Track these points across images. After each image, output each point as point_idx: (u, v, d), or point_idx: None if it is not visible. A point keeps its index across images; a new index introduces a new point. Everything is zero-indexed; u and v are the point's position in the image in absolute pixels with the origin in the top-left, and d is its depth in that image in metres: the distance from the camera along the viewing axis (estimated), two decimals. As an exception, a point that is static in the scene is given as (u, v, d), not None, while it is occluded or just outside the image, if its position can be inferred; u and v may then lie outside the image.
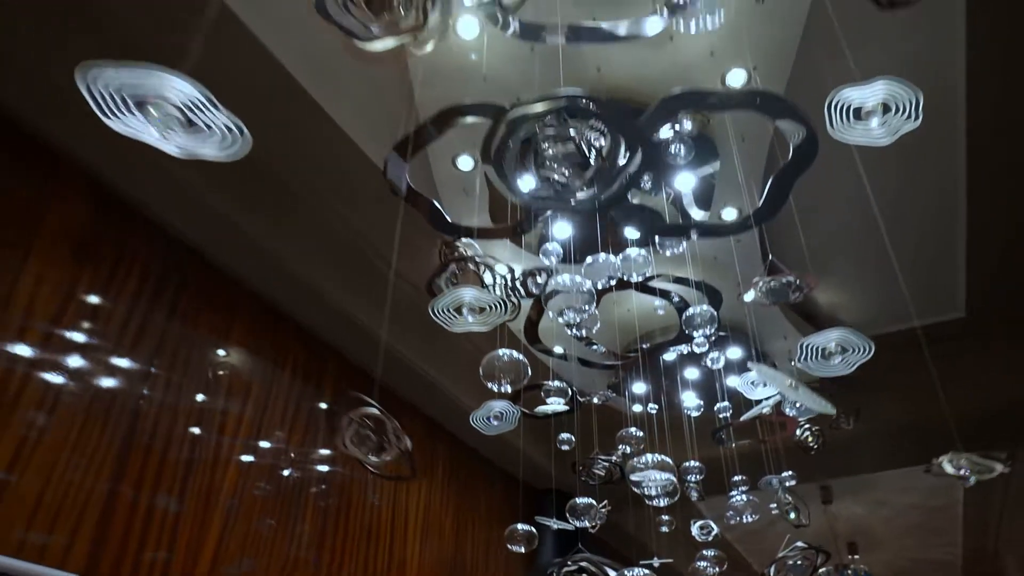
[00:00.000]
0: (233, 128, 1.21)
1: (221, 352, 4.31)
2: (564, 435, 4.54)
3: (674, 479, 3.72)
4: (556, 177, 2.22)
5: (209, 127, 1.20)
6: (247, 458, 4.29)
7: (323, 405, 5.00)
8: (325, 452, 4.93)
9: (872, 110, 2.11)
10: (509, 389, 3.16)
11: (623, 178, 2.29)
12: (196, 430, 4.01)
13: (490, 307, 2.43)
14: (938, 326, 6.09)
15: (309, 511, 4.68)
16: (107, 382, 3.57)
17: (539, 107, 2.04)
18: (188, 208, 3.99)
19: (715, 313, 3.84)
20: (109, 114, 1.18)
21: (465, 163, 4.10)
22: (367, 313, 4.89)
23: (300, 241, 4.39)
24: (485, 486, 6.95)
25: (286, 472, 4.56)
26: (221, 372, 4.26)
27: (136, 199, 3.88)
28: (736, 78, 3.61)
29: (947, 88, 3.93)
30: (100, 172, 3.71)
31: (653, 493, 3.78)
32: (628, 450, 4.99)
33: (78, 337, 3.48)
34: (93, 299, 3.61)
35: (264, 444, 4.45)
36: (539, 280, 2.92)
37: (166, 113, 1.17)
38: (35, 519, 3.11)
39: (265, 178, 3.95)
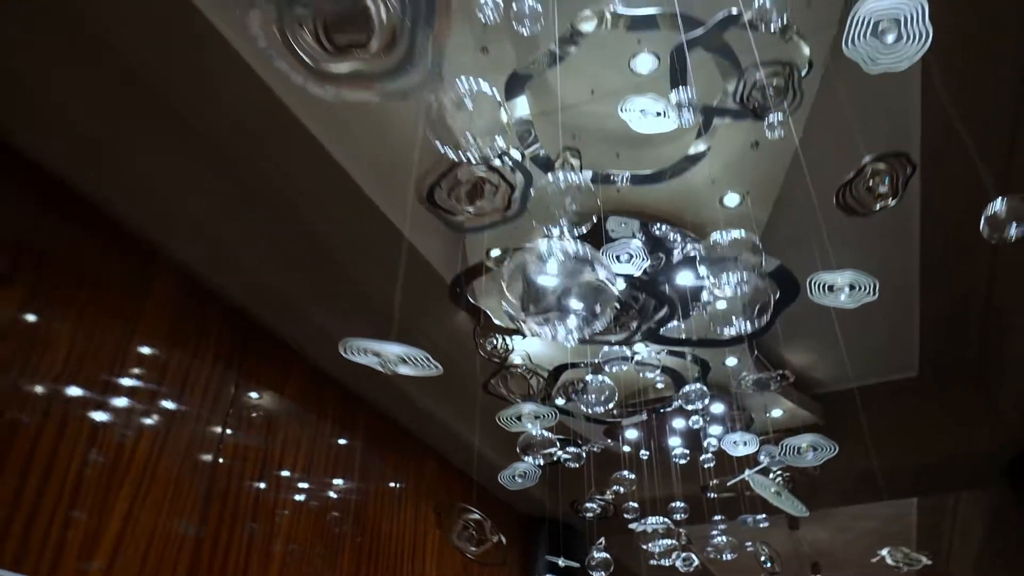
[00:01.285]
0: (433, 365, 1.88)
1: (279, 407, 4.95)
2: (589, 504, 5.18)
3: (677, 543, 4.43)
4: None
5: (416, 362, 1.87)
6: (299, 498, 4.94)
7: (342, 441, 5.63)
8: (358, 491, 5.58)
9: (841, 287, 2.85)
10: (542, 463, 3.85)
11: (653, 322, 3.00)
12: (260, 475, 4.64)
13: (544, 416, 3.12)
14: (894, 383, 6.92)
15: (347, 542, 5.34)
16: (195, 440, 4.20)
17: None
18: (256, 288, 4.62)
19: (706, 389, 4.56)
20: (353, 355, 1.84)
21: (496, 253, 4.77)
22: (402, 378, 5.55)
23: (343, 311, 5.03)
24: (489, 515, 7.63)
25: (328, 509, 5.21)
26: (279, 424, 4.90)
27: (214, 283, 4.50)
28: (731, 200, 4.34)
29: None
30: (187, 263, 4.33)
31: (657, 551, 4.49)
32: (622, 490, 5.72)
33: (174, 402, 4.11)
34: (183, 369, 4.23)
35: (311, 486, 5.10)
36: (577, 388, 3.61)
37: (389, 360, 1.83)
38: (146, 563, 3.74)
39: (321, 261, 4.61)
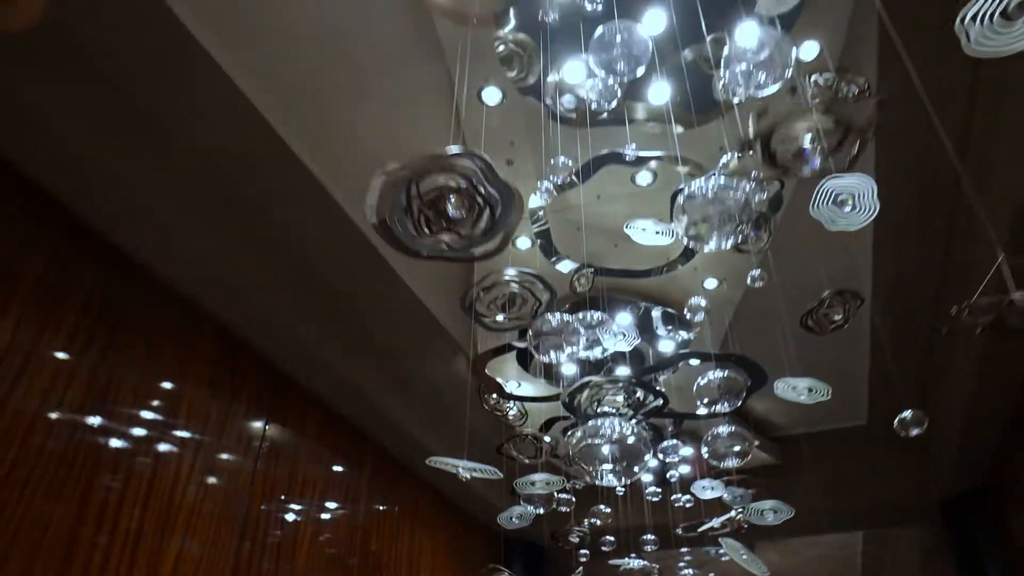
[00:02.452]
0: (495, 472, 2.47)
1: (300, 446, 5.50)
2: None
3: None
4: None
5: (483, 472, 2.46)
6: (316, 525, 5.52)
7: (352, 475, 6.19)
8: (364, 517, 6.16)
9: (801, 390, 3.51)
10: (542, 510, 4.46)
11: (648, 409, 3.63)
12: (285, 507, 5.19)
13: (552, 482, 3.73)
14: (845, 430, 7.69)
15: (356, 562, 5.93)
16: (232, 479, 4.73)
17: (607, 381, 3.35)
18: (283, 342, 5.16)
19: (679, 443, 5.22)
20: (435, 465, 2.43)
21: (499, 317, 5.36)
22: (401, 413, 6.16)
23: (365, 366, 5.60)
24: (471, 538, 8.28)
25: (340, 533, 5.78)
26: (299, 461, 5.45)
27: (249, 339, 5.03)
28: (711, 283, 5.00)
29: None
30: (226, 322, 4.86)
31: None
32: (599, 522, 6.36)
33: (215, 445, 4.63)
34: (222, 415, 4.76)
35: (326, 515, 5.66)
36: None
37: (467, 467, 2.42)
38: (194, 591, 4.28)
39: (343, 318, 5.18)
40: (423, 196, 1.86)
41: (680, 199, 1.90)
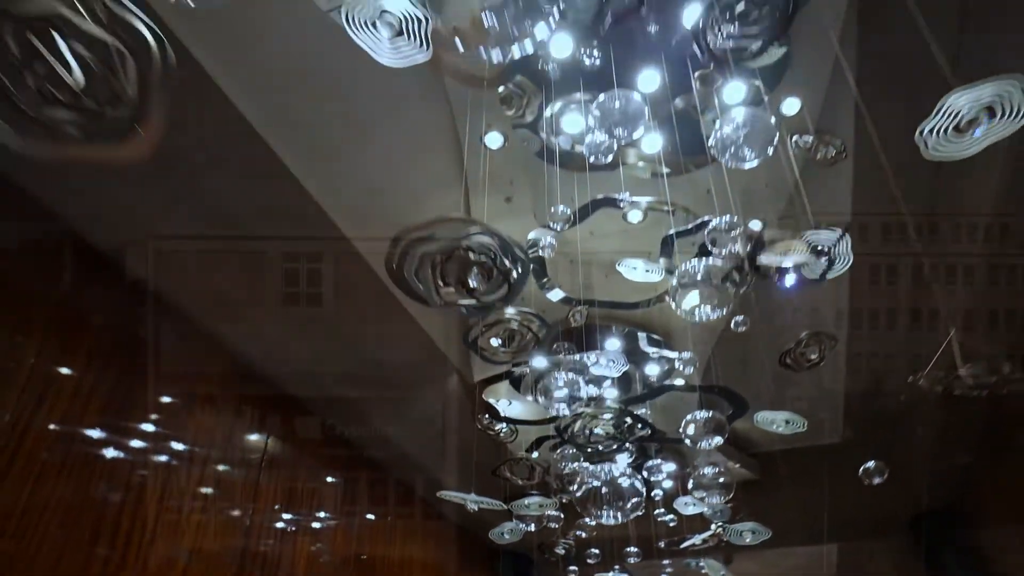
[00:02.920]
0: (500, 504, 2.69)
1: (299, 461, 5.70)
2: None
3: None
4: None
5: (490, 504, 2.68)
6: (315, 534, 5.73)
7: (349, 489, 6.39)
8: (358, 526, 6.38)
9: (779, 422, 3.76)
10: (533, 527, 4.69)
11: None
12: (285, 518, 5.38)
13: (546, 504, 3.96)
14: (821, 447, 7.97)
15: (352, 567, 6.15)
16: (236, 492, 4.92)
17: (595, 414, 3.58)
18: (287, 363, 5.36)
19: (661, 462, 5.47)
20: (446, 497, 2.65)
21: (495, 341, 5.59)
22: (396, 430, 6.37)
23: (363, 384, 5.79)
24: (462, 548, 8.53)
25: (337, 541, 6.00)
26: (299, 475, 5.65)
27: (253, 359, 5.22)
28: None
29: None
30: (231, 342, 5.04)
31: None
32: (584, 534, 6.62)
33: (221, 460, 4.82)
34: (227, 431, 4.96)
35: (325, 525, 5.87)
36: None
37: (475, 501, 2.64)
38: (199, 605, 4.47)
39: (353, 345, 5.37)
40: (444, 261, 2.08)
41: (676, 276, 2.13)
